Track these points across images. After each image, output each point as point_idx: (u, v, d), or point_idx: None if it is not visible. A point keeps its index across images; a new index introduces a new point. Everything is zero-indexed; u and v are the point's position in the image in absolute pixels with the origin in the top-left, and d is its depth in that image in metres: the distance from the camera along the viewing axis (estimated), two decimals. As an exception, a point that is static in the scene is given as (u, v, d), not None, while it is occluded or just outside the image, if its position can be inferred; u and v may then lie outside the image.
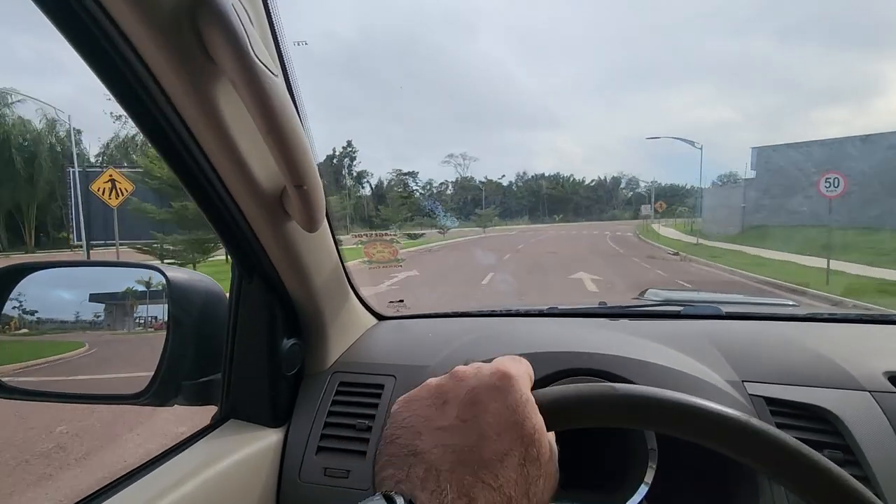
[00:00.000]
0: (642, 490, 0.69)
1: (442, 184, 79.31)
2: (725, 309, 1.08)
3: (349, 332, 0.99)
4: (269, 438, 0.81)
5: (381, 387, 0.87)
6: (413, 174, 73.18)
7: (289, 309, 0.83)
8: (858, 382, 0.73)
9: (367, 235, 1.09)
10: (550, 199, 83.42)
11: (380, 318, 1.13)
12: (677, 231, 29.42)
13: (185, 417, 2.96)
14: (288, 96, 0.46)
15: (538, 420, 0.33)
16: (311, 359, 0.90)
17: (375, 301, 1.14)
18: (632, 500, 0.69)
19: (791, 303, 1.35)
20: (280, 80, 0.44)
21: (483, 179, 78.60)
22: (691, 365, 0.81)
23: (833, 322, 1.02)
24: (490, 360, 0.36)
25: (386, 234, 1.10)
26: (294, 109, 0.47)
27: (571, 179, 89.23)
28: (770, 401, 0.74)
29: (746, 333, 0.96)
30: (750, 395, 0.75)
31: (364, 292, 1.05)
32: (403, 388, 0.85)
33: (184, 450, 0.75)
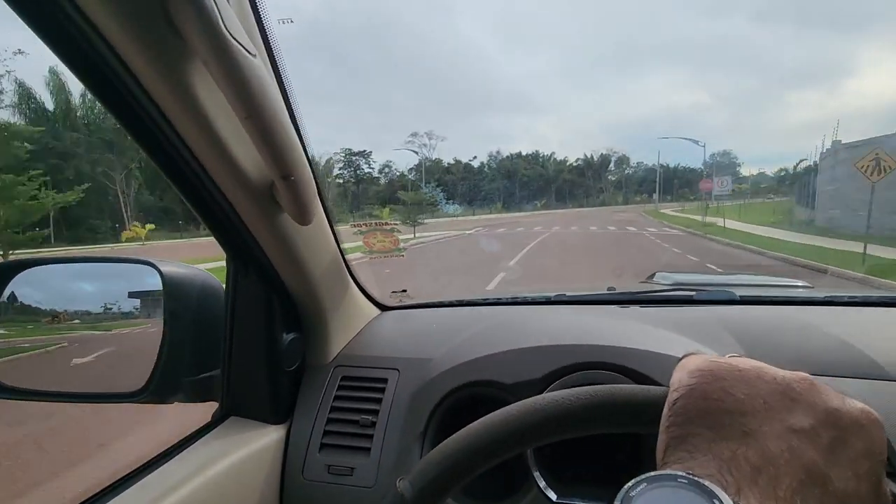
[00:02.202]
0: None
1: (410, 169, 66.07)
2: (739, 293, 1.04)
3: (351, 324, 0.96)
4: (271, 436, 0.80)
5: (385, 381, 0.84)
6: (365, 154, 60.36)
7: (287, 302, 0.80)
8: (886, 371, 0.69)
9: (366, 225, 1.05)
10: (529, 181, 69.97)
11: (383, 308, 1.10)
12: (746, 222, 19.36)
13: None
14: (269, 79, 0.42)
15: (890, 491, 0.28)
16: (312, 353, 0.88)
17: (378, 291, 1.11)
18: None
19: (806, 284, 1.31)
20: (258, 62, 0.40)
21: (451, 161, 68.16)
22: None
23: (854, 306, 0.98)
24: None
25: (386, 224, 1.07)
26: (278, 93, 0.43)
27: (553, 159, 75.34)
28: None
29: (763, 319, 0.92)
30: None
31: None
32: (407, 382, 0.82)
33: (185, 448, 0.74)
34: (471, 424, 0.36)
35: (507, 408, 0.36)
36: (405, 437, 0.77)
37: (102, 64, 0.41)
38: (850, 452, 0.27)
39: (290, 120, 0.47)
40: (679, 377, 0.30)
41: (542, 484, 0.70)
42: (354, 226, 1.10)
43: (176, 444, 0.74)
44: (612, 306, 1.04)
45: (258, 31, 0.51)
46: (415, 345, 0.92)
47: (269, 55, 0.54)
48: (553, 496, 0.69)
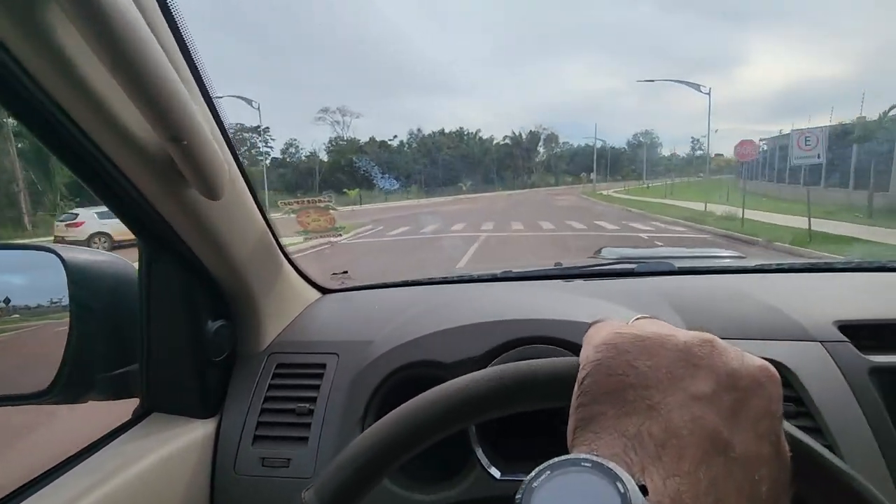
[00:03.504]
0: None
1: (325, 148, 55.91)
2: (678, 264, 1.07)
3: (287, 308, 0.91)
4: (199, 431, 0.74)
5: (323, 366, 0.81)
6: (261, 130, 47.56)
7: (211, 288, 0.74)
8: (809, 333, 0.73)
9: (298, 202, 0.99)
10: (453, 161, 59.72)
11: (324, 291, 1.05)
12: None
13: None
14: (141, 22, 0.36)
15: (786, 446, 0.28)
16: (243, 341, 0.83)
17: (319, 273, 1.06)
18: None
19: (739, 254, 1.37)
20: (122, 0, 0.34)
21: (366, 140, 57.28)
22: None
23: (782, 272, 1.02)
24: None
25: (320, 201, 1.01)
26: (156, 43, 0.37)
27: (478, 137, 64.99)
28: None
29: (698, 289, 0.95)
30: None
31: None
32: (347, 366, 0.79)
33: (99, 449, 0.67)
34: (382, 419, 0.34)
35: (419, 397, 0.34)
36: (345, 423, 0.73)
37: None
38: (750, 413, 0.27)
39: (175, 75, 0.40)
40: (585, 353, 0.30)
41: (484, 462, 0.69)
42: (285, 204, 1.03)
43: (89, 445, 0.67)
44: (558, 281, 1.04)
45: None
46: (356, 327, 0.88)
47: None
48: (497, 474, 0.68)
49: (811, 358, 0.69)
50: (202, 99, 0.58)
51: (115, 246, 11.27)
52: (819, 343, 0.71)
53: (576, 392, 0.29)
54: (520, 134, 68.58)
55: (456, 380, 0.34)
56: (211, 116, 0.59)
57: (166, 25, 0.48)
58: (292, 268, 0.94)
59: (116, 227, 12.04)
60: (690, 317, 0.80)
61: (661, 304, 0.85)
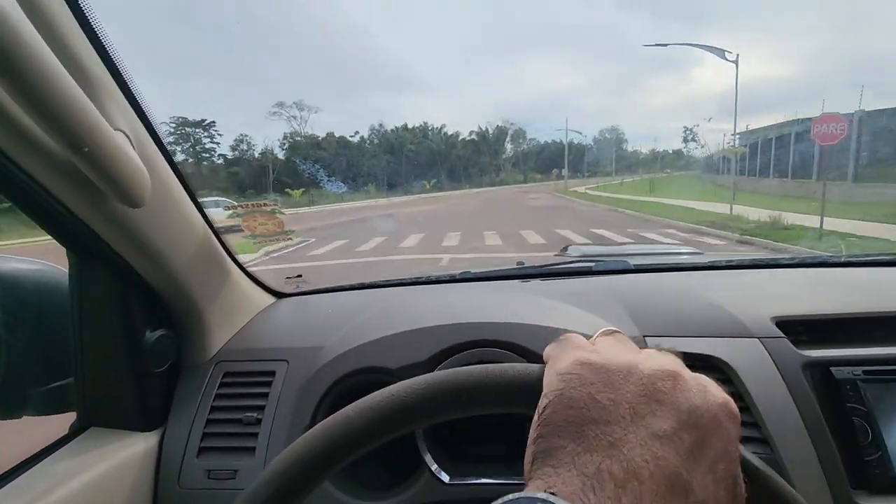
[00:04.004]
0: None
1: (283, 143, 49.79)
2: (634, 262, 1.09)
3: (236, 315, 0.88)
4: (140, 445, 0.71)
5: (272, 374, 0.79)
6: (205, 124, 43.78)
7: (148, 296, 0.72)
8: (748, 329, 0.74)
9: (242, 206, 0.96)
10: (417, 157, 55.52)
11: (278, 295, 1.03)
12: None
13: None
14: (23, 25, 0.34)
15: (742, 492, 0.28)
16: (188, 350, 0.80)
17: (273, 277, 1.04)
18: None
19: (694, 250, 1.40)
20: (4, 3, 0.32)
21: (322, 136, 51.59)
22: (596, 324, 0.80)
23: (729, 269, 1.05)
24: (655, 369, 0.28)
25: (265, 205, 0.99)
26: (43, 46, 0.35)
27: (443, 132, 60.04)
28: None
29: (649, 287, 0.97)
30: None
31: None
32: (296, 373, 0.77)
33: (29, 468, 0.64)
34: (309, 430, 0.34)
35: (346, 408, 0.34)
36: (292, 432, 0.72)
37: None
38: (709, 454, 0.26)
39: (68, 79, 0.38)
40: (549, 380, 0.29)
41: (433, 467, 0.68)
42: (229, 208, 1.00)
43: (15, 467, 0.64)
44: (515, 281, 1.04)
45: None
46: (307, 333, 0.87)
47: (50, 5, 0.43)
48: (446, 478, 0.68)
49: (749, 354, 0.71)
50: (125, 103, 0.55)
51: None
52: (757, 339, 0.73)
53: (536, 421, 0.28)
54: (486, 129, 64.53)
55: (387, 388, 0.34)
56: (138, 121, 0.57)
57: (75, 23, 0.45)
58: (242, 273, 0.92)
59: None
60: (640, 315, 0.81)
61: (613, 302, 0.86)
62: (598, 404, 0.27)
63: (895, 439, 0.63)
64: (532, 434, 0.28)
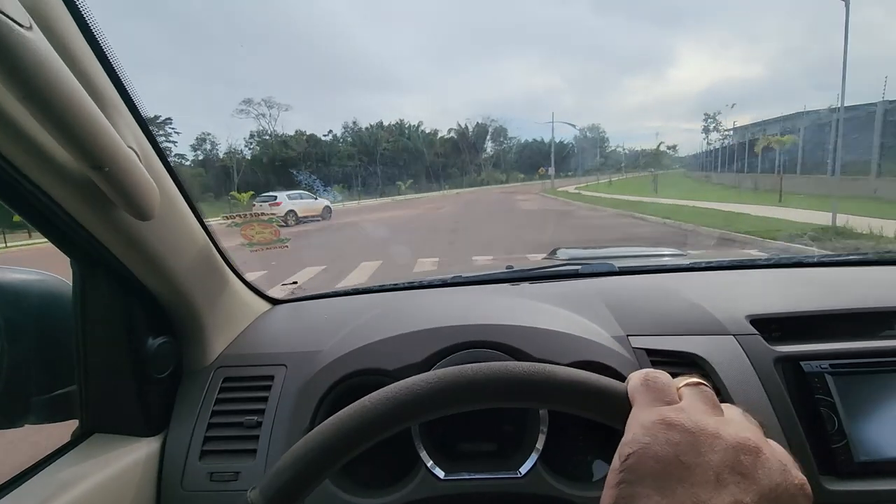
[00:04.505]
0: (533, 457, 0.70)
1: (251, 143, 46.58)
2: (619, 264, 1.13)
3: (234, 321, 0.91)
4: (143, 449, 0.73)
5: (271, 378, 0.81)
6: (159, 122, 40.34)
7: (151, 304, 0.74)
8: (724, 327, 0.79)
9: (240, 217, 0.99)
10: (393, 156, 51.84)
11: (274, 302, 1.05)
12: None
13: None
14: (50, 53, 0.36)
15: None
16: (189, 356, 0.82)
17: (268, 284, 1.06)
18: (524, 465, 0.70)
19: (679, 252, 1.44)
20: (33, 35, 0.35)
21: (291, 134, 48.32)
22: (582, 325, 0.83)
23: (709, 270, 1.09)
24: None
25: (262, 214, 1.01)
26: (68, 74, 0.38)
27: (420, 130, 56.67)
28: (650, 352, 0.78)
29: (633, 288, 1.01)
30: (634, 348, 0.79)
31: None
32: (295, 377, 0.80)
33: (35, 474, 0.66)
34: (322, 423, 0.36)
35: (360, 400, 0.36)
36: (292, 434, 0.74)
37: None
38: None
39: (91, 104, 0.41)
40: (633, 432, 0.30)
41: (429, 463, 0.71)
42: (227, 217, 1.02)
43: (19, 475, 0.65)
44: (505, 284, 1.08)
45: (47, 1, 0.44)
46: (305, 338, 0.89)
47: (63, 26, 0.46)
48: (441, 474, 0.71)
49: (725, 351, 0.75)
50: (132, 119, 0.58)
51: (301, 220, 13.72)
52: (733, 336, 0.77)
53: (617, 466, 0.29)
54: (466, 126, 60.56)
55: (388, 387, 0.36)
56: (143, 135, 0.59)
57: (90, 52, 0.48)
58: (240, 280, 0.94)
59: (301, 206, 14.16)
60: (624, 315, 0.85)
61: (598, 305, 0.90)
62: (683, 465, 0.28)
63: (859, 428, 0.67)
64: (612, 479, 0.29)
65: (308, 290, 1.11)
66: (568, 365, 0.73)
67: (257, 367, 0.83)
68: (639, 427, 0.30)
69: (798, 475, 0.29)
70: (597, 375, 0.36)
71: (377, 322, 0.87)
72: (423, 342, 0.77)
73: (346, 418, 0.35)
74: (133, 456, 0.72)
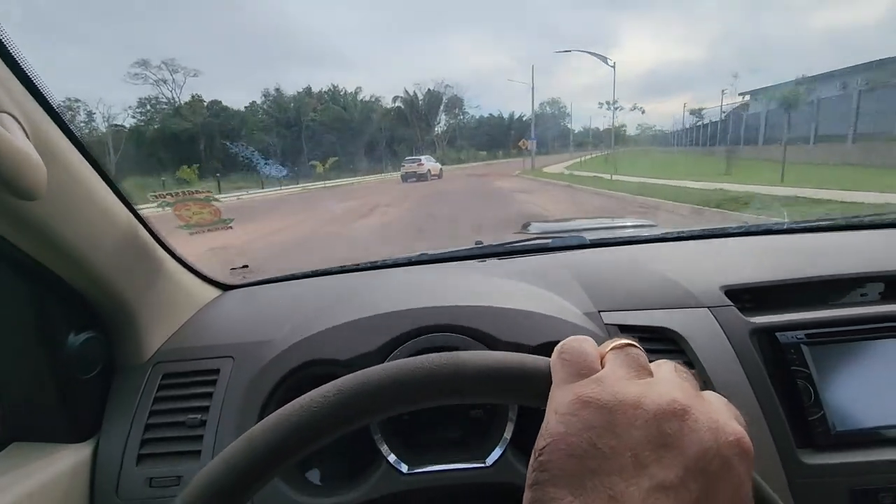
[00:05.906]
0: (501, 445, 0.66)
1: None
2: (590, 236, 1.08)
3: (174, 311, 0.83)
4: (71, 457, 0.66)
5: (216, 372, 0.74)
6: None
7: (68, 296, 0.65)
8: (698, 300, 0.75)
9: (172, 195, 0.89)
10: (323, 129, 37.19)
11: (224, 287, 0.97)
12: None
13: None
14: None
15: None
16: (121, 352, 0.74)
17: (218, 268, 0.98)
18: (492, 455, 0.66)
19: (650, 223, 1.41)
20: None
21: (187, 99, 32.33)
22: (552, 302, 0.79)
23: (680, 241, 1.06)
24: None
25: (197, 192, 0.92)
26: None
27: (359, 97, 42.47)
28: (623, 328, 0.74)
29: (604, 262, 0.97)
30: (606, 324, 0.75)
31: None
32: (242, 370, 0.73)
33: None
34: (255, 425, 0.32)
35: (294, 402, 0.31)
36: (239, 432, 0.68)
37: None
38: (718, 500, 0.25)
39: None
40: (547, 420, 0.27)
41: (391, 457, 0.66)
42: (158, 196, 0.92)
43: None
44: (472, 261, 1.02)
45: None
46: (255, 326, 0.82)
47: None
48: (404, 468, 0.66)
49: (700, 324, 0.71)
50: (16, 81, 0.49)
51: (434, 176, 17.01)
52: (707, 309, 0.73)
53: (533, 464, 0.26)
54: (415, 94, 45.33)
55: (290, 404, 0.31)
56: (27, 96, 0.50)
57: None
58: (181, 265, 0.86)
59: (432, 166, 17.74)
60: (595, 290, 0.81)
61: (569, 280, 0.85)
62: (599, 452, 0.25)
63: (836, 399, 0.65)
64: (528, 478, 0.26)
65: (261, 273, 1.03)
66: (536, 347, 0.69)
67: (201, 360, 0.76)
68: (552, 413, 0.27)
69: (733, 429, 0.26)
70: (517, 355, 0.31)
71: (332, 307, 0.81)
72: (380, 328, 0.71)
73: (279, 422, 0.31)
74: (59, 465, 0.65)
